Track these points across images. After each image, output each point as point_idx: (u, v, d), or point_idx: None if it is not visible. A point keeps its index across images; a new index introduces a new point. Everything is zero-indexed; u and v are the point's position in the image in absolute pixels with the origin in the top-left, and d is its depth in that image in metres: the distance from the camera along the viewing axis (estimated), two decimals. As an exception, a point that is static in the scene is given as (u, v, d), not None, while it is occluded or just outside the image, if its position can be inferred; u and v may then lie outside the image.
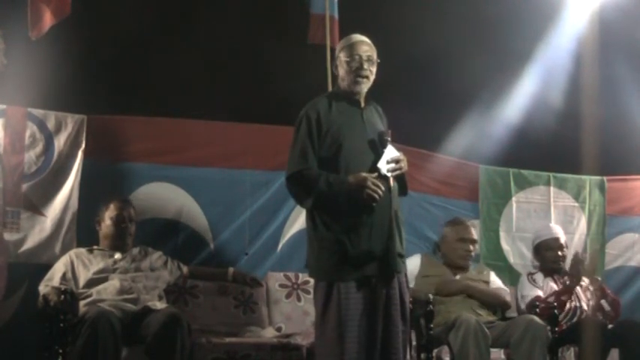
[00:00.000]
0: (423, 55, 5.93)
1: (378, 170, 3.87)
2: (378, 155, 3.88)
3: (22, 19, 4.71)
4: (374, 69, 3.98)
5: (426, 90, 6.10)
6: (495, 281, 5.06)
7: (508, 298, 4.93)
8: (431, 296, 4.52)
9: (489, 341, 4.43)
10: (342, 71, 3.99)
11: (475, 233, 5.10)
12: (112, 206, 4.67)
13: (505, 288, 5.07)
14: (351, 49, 3.97)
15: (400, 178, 3.97)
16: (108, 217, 4.65)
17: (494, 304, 4.84)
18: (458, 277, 4.95)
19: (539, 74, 6.39)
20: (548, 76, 6.38)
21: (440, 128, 6.04)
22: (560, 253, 5.33)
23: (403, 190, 4.02)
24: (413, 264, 4.88)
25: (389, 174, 3.86)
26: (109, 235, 4.65)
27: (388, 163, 3.85)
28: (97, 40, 5.40)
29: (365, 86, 3.97)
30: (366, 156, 3.89)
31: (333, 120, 3.91)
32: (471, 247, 5.00)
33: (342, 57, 3.99)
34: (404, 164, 3.91)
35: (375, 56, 3.99)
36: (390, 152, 3.88)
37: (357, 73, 3.94)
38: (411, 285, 4.83)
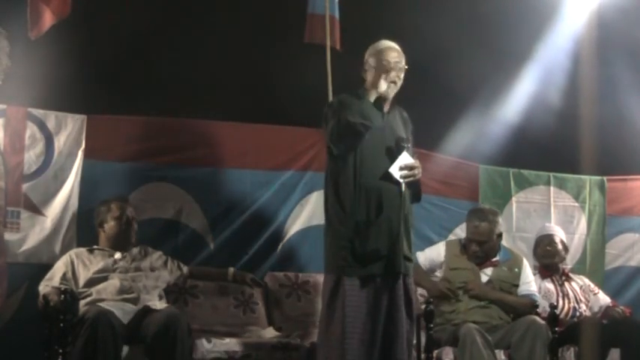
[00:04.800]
0: (423, 55, 5.91)
1: (390, 175, 3.90)
2: (393, 160, 3.91)
3: (22, 19, 4.70)
4: (402, 75, 4.07)
5: (425, 90, 6.09)
6: (525, 283, 4.91)
7: (535, 307, 4.84)
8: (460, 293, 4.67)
9: (492, 345, 4.42)
10: (369, 76, 4.08)
11: (489, 217, 4.92)
12: (113, 207, 4.66)
13: (533, 290, 4.93)
14: (380, 54, 4.08)
15: (414, 185, 4.00)
16: (111, 217, 4.64)
17: (520, 313, 4.80)
18: (486, 277, 4.84)
19: (539, 74, 6.39)
20: (548, 75, 6.37)
21: (439, 128, 6.03)
22: (549, 247, 5.33)
23: (417, 196, 4.06)
24: (437, 252, 4.92)
25: (401, 180, 3.89)
26: (113, 236, 4.64)
27: (401, 169, 3.89)
28: (97, 40, 5.39)
29: (391, 91, 4.05)
30: (379, 160, 3.96)
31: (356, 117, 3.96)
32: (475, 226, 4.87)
33: (370, 62, 4.10)
34: (417, 171, 3.95)
35: (403, 63, 4.09)
36: (404, 158, 3.92)
37: (384, 78, 4.01)
38: (438, 274, 4.86)
